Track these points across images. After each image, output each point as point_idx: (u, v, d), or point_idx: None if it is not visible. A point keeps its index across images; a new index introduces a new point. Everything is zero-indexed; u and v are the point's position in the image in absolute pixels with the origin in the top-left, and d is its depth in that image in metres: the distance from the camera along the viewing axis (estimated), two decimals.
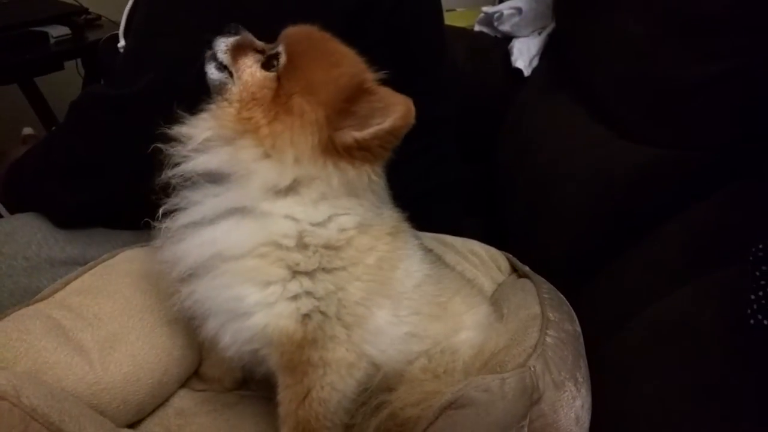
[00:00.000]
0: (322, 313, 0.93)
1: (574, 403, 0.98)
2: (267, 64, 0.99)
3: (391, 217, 1.04)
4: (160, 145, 0.96)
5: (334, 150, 0.92)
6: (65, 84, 2.50)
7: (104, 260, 1.21)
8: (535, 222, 1.59)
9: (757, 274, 0.91)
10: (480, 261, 1.39)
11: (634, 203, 1.36)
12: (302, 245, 0.93)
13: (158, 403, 1.14)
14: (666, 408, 0.96)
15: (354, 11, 1.24)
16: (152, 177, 0.96)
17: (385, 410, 0.97)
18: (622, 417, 1.03)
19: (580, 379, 1.01)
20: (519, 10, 2.01)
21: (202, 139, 0.95)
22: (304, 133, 0.91)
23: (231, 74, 1.00)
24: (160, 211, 0.97)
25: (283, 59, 0.97)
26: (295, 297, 0.92)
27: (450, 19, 1.97)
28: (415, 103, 0.91)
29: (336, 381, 0.95)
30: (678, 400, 0.95)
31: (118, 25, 1.57)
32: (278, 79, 0.96)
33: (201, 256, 0.93)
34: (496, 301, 1.21)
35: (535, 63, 1.92)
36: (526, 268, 1.32)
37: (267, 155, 0.92)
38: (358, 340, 0.96)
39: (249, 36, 1.04)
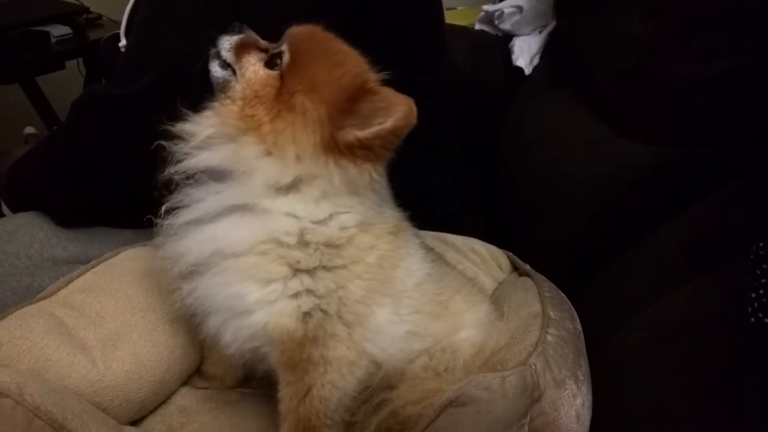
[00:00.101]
0: (323, 311, 0.94)
1: (575, 402, 0.98)
2: (270, 63, 0.99)
3: (392, 215, 1.04)
4: (162, 143, 0.96)
5: (336, 148, 0.92)
6: (66, 83, 2.51)
7: (106, 259, 1.21)
8: (535, 221, 1.59)
9: (758, 272, 0.91)
10: (481, 259, 1.39)
11: (634, 202, 1.36)
12: (303, 243, 0.93)
13: (160, 400, 1.14)
14: (666, 407, 0.96)
15: (354, 11, 1.24)
16: (154, 175, 0.96)
17: (386, 408, 0.97)
18: (623, 416, 1.03)
19: (581, 378, 1.01)
20: (520, 9, 2.01)
21: (204, 137, 0.95)
22: (306, 131, 0.92)
23: (234, 72, 1.00)
24: (163, 208, 0.97)
25: (286, 58, 0.98)
26: (295, 295, 0.92)
27: (450, 18, 1.97)
28: (416, 103, 0.91)
29: (337, 379, 0.96)
30: (678, 399, 0.95)
31: (119, 24, 1.57)
32: (281, 77, 0.96)
33: (202, 253, 0.93)
34: (497, 299, 1.22)
35: (535, 61, 1.92)
36: (527, 267, 1.32)
37: (269, 153, 0.93)
38: (359, 339, 0.96)
39: (253, 35, 1.04)
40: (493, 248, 1.43)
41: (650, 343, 1.07)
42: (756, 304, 0.89)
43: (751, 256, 0.94)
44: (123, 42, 1.51)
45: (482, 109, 1.91)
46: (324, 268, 0.94)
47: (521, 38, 1.99)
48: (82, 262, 1.25)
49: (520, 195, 1.67)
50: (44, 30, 2.32)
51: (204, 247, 0.93)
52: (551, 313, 1.09)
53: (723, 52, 1.24)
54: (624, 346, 1.11)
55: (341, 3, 1.23)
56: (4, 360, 0.97)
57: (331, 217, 0.95)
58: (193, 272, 0.95)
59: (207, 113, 0.99)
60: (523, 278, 1.28)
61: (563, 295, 1.19)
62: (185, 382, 1.20)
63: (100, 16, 2.57)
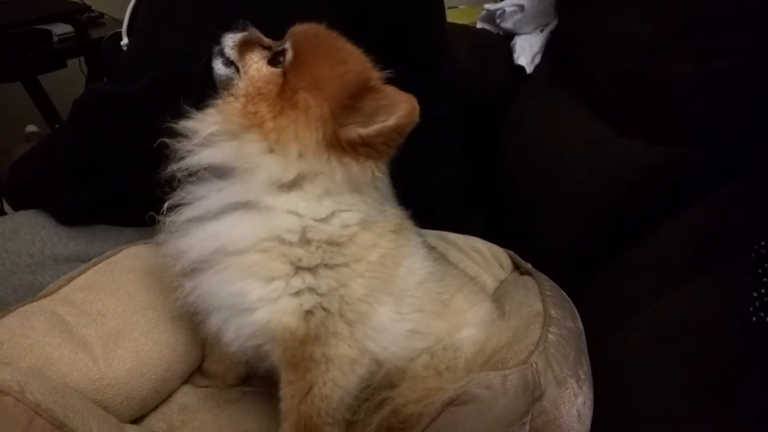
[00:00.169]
0: (325, 309, 0.94)
1: (576, 400, 0.98)
2: (273, 60, 0.99)
3: (394, 214, 1.04)
4: (165, 140, 0.96)
5: (338, 146, 0.92)
6: (68, 82, 2.51)
7: (108, 257, 1.21)
8: (536, 220, 1.59)
9: (760, 271, 0.91)
10: (482, 258, 1.39)
11: (634, 201, 1.36)
12: (305, 241, 0.93)
13: (161, 399, 1.14)
14: (667, 406, 0.96)
15: (355, 11, 1.24)
16: (156, 174, 0.96)
17: (388, 407, 0.97)
18: (624, 415, 1.03)
19: (582, 376, 1.01)
20: (521, 7, 2.01)
21: (207, 134, 0.95)
22: (309, 128, 0.92)
23: (237, 70, 1.01)
24: (165, 205, 0.97)
25: (289, 55, 0.98)
26: (297, 293, 0.93)
27: (452, 17, 1.97)
28: (418, 102, 0.91)
29: (338, 377, 0.96)
30: (679, 398, 0.95)
31: (120, 22, 1.57)
32: (284, 74, 0.96)
33: (204, 250, 0.93)
34: (498, 298, 1.21)
35: (537, 60, 1.92)
36: (529, 266, 1.32)
37: (271, 150, 0.93)
38: (361, 337, 0.96)
39: (256, 32, 1.04)
40: (495, 247, 1.43)
41: (651, 342, 1.07)
42: (757, 303, 0.89)
43: (753, 255, 0.94)
44: (125, 41, 1.51)
45: (483, 108, 1.91)
46: (326, 266, 0.94)
47: (523, 37, 1.99)
48: (84, 260, 1.25)
49: (521, 194, 1.67)
50: (46, 28, 2.32)
51: (206, 245, 0.93)
52: (553, 312, 1.09)
53: (723, 52, 1.24)
54: (625, 346, 1.12)
55: (342, 2, 1.23)
56: (5, 358, 0.97)
57: (333, 214, 0.95)
58: (195, 269, 0.95)
59: (210, 111, 0.99)
60: (525, 277, 1.28)
61: (564, 294, 1.19)
62: (186, 381, 1.20)
63: (101, 15, 2.57)
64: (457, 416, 0.88)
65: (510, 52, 1.97)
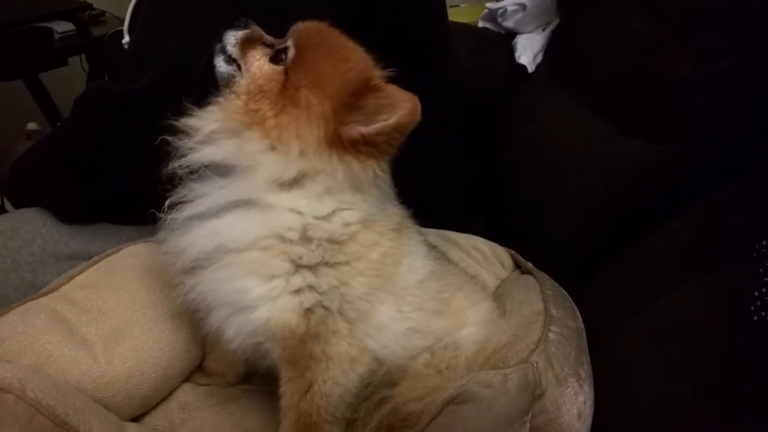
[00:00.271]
0: (325, 307, 0.94)
1: (577, 399, 0.98)
2: (275, 58, 0.99)
3: (395, 213, 1.04)
4: (167, 138, 0.96)
5: (339, 144, 0.92)
6: (69, 80, 2.51)
7: (108, 255, 1.21)
8: (537, 219, 1.59)
9: (761, 270, 0.91)
10: (483, 257, 1.39)
11: (635, 201, 1.36)
12: (306, 239, 0.93)
13: (162, 397, 1.14)
14: (667, 406, 0.96)
15: (356, 10, 1.24)
16: (157, 172, 0.96)
17: (388, 405, 0.97)
18: (624, 414, 1.03)
19: (583, 376, 1.01)
20: (523, 6, 2.01)
21: (208, 131, 0.95)
22: (310, 126, 0.92)
23: (239, 67, 1.00)
24: (167, 203, 0.97)
25: (291, 53, 0.98)
26: (298, 291, 0.93)
27: (454, 16, 1.96)
28: (419, 101, 0.91)
29: (338, 375, 0.96)
30: (679, 398, 0.95)
31: (122, 20, 1.57)
32: (286, 72, 0.96)
33: (205, 247, 0.93)
34: (499, 297, 1.21)
35: (538, 59, 1.92)
36: (529, 265, 1.32)
37: (273, 147, 0.93)
38: (361, 335, 0.96)
39: (258, 30, 1.04)
40: (496, 246, 1.43)
41: (651, 341, 1.07)
42: (758, 303, 0.89)
43: (753, 255, 0.94)
44: (126, 39, 1.51)
45: (484, 107, 1.91)
46: (326, 264, 0.94)
47: (524, 36, 1.99)
48: (85, 258, 1.25)
49: (522, 193, 1.67)
50: (47, 26, 2.32)
51: (207, 242, 0.93)
52: (553, 311, 1.09)
53: (723, 52, 1.24)
54: (625, 345, 1.12)
55: (343, 1, 1.23)
56: (6, 355, 0.97)
57: (333, 213, 0.94)
58: (196, 267, 0.95)
59: (211, 108, 0.99)
60: (526, 276, 1.28)
61: (565, 293, 1.19)
62: (187, 379, 1.20)
63: (103, 13, 2.56)
64: (457, 415, 0.88)
65: (511, 51, 1.97)
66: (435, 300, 1.05)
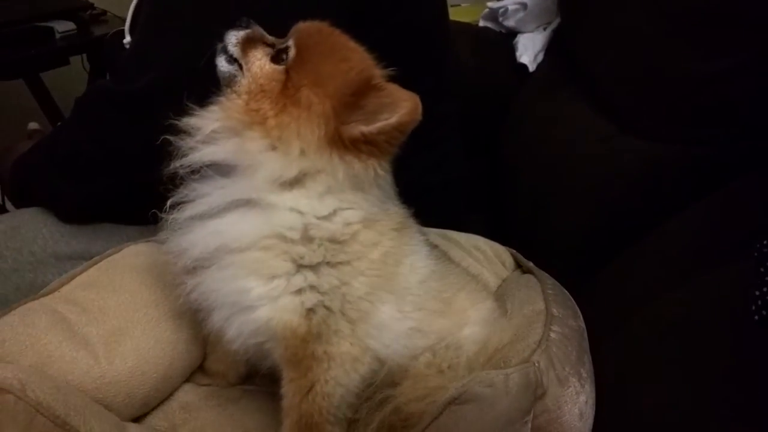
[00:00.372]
0: (327, 307, 0.93)
1: (578, 399, 0.98)
2: (276, 58, 0.99)
3: (396, 212, 1.04)
4: (168, 138, 0.96)
5: (340, 143, 0.92)
6: (70, 79, 2.52)
7: (110, 255, 1.21)
8: (538, 218, 1.59)
9: (762, 270, 0.91)
10: (484, 257, 1.39)
11: (636, 199, 1.36)
12: (307, 238, 0.93)
13: (163, 397, 1.14)
14: (667, 406, 0.96)
15: (358, 9, 1.23)
16: (158, 172, 0.96)
17: (389, 405, 0.97)
18: (626, 414, 1.03)
19: (584, 375, 1.01)
20: (524, 6, 2.01)
21: (209, 131, 0.95)
22: (311, 125, 0.92)
23: (241, 67, 1.00)
24: (168, 203, 0.97)
25: (292, 52, 0.98)
26: (299, 291, 0.92)
27: (455, 15, 1.97)
28: (420, 100, 0.91)
29: (340, 375, 0.95)
30: (681, 397, 0.95)
31: (123, 20, 1.57)
32: (287, 71, 0.96)
33: (207, 247, 0.93)
34: (501, 296, 1.21)
35: (539, 58, 1.92)
36: (531, 264, 1.32)
37: (273, 147, 0.93)
38: (363, 335, 0.96)
39: (260, 30, 1.04)
40: (497, 245, 1.43)
41: (652, 341, 1.07)
42: (760, 302, 0.89)
43: (755, 254, 0.94)
44: (128, 39, 1.51)
45: (485, 106, 1.91)
46: (328, 264, 0.94)
47: (525, 35, 1.99)
48: (86, 258, 1.24)
49: (523, 191, 1.67)
50: (48, 26, 2.32)
51: (208, 242, 0.93)
52: (555, 310, 1.09)
53: (728, 49, 1.24)
54: (626, 344, 1.11)
55: (344, 0, 1.23)
56: (6, 356, 0.97)
57: (335, 212, 0.94)
58: (197, 267, 0.95)
59: (212, 108, 0.99)
60: (527, 275, 1.28)
61: (566, 292, 1.19)
62: (188, 379, 1.20)
63: (104, 12, 2.57)
64: (458, 415, 0.88)
65: (512, 50, 1.97)
66: (436, 300, 1.05)
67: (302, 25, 1.01)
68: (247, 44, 1.02)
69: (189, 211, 0.96)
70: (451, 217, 1.51)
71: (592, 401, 1.01)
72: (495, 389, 0.89)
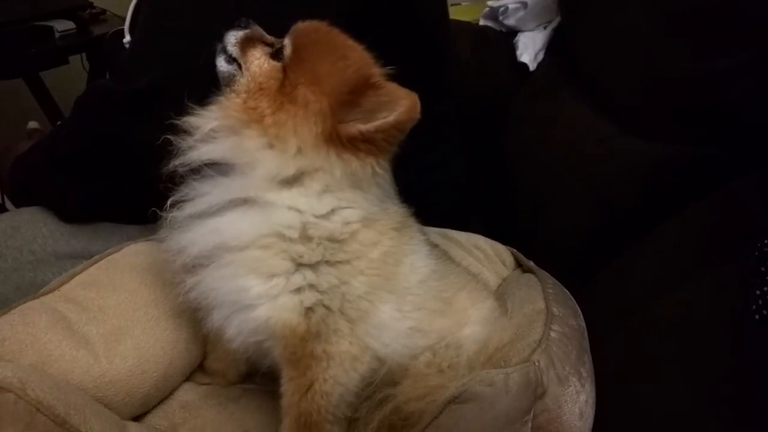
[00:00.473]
0: (326, 306, 0.93)
1: (578, 398, 0.98)
2: (275, 57, 0.99)
3: (396, 212, 1.04)
4: (169, 137, 0.96)
5: (338, 141, 0.92)
6: (70, 78, 2.51)
7: (110, 254, 1.21)
8: (538, 217, 1.59)
9: (763, 269, 0.91)
10: (485, 256, 1.39)
11: (637, 199, 1.36)
12: (306, 237, 0.93)
13: (163, 396, 1.14)
14: (667, 405, 0.96)
15: (355, 10, 1.23)
16: (158, 171, 0.96)
17: (390, 404, 0.97)
18: (625, 413, 1.03)
19: (584, 375, 1.01)
20: (524, 5, 2.01)
21: (208, 129, 0.95)
22: (308, 123, 0.92)
23: (240, 66, 1.01)
24: (169, 201, 0.97)
25: (288, 51, 0.98)
26: (298, 290, 0.92)
27: (455, 14, 1.97)
28: (420, 99, 0.91)
29: (339, 374, 0.95)
30: (681, 396, 0.95)
31: (122, 19, 1.57)
32: (285, 70, 0.97)
33: (206, 245, 0.93)
34: (501, 296, 1.21)
35: (540, 57, 1.92)
36: (531, 263, 1.32)
37: (271, 145, 0.93)
38: (362, 334, 0.96)
39: (259, 30, 1.04)
40: (497, 245, 1.43)
41: (653, 340, 1.07)
42: (760, 302, 0.89)
43: (755, 253, 0.94)
44: (127, 38, 1.51)
45: (486, 106, 1.91)
46: (327, 263, 0.94)
47: (526, 34, 1.99)
48: (85, 257, 1.24)
49: (524, 190, 1.67)
50: (48, 25, 2.32)
51: (207, 240, 0.93)
52: (555, 310, 1.09)
53: (726, 50, 1.24)
54: (626, 344, 1.11)
55: (343, 0, 1.23)
56: (6, 355, 0.97)
57: (333, 211, 0.94)
58: (196, 265, 0.95)
59: (212, 107, 0.99)
60: (527, 275, 1.28)
61: (567, 292, 1.19)
62: (188, 378, 1.20)
63: (103, 11, 2.57)
64: (458, 414, 0.88)
65: (513, 49, 1.97)
66: (436, 299, 1.05)
67: (301, 25, 1.01)
68: (246, 44, 1.02)
69: (188, 209, 0.96)
70: (452, 217, 1.51)
71: (592, 400, 1.01)
72: (495, 388, 0.89)
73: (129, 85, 1.19)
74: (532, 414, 0.93)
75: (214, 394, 1.17)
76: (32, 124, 1.79)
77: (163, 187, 0.97)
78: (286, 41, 0.99)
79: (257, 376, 1.17)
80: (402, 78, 0.96)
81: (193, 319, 1.08)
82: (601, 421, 1.02)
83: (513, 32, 2.04)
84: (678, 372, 0.98)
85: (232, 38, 1.03)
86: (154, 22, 1.25)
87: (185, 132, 0.96)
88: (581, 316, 1.13)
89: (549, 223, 1.55)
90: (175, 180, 0.97)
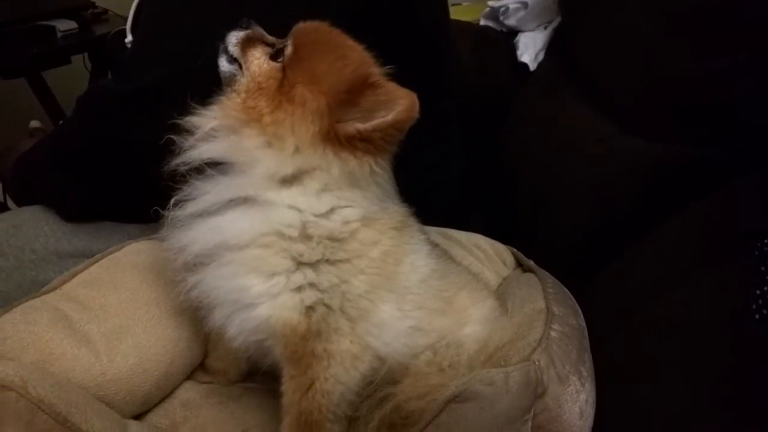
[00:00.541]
0: (326, 305, 0.94)
1: (578, 398, 0.98)
2: (275, 57, 1.00)
3: (397, 211, 1.04)
4: (171, 137, 0.96)
5: (335, 140, 0.92)
6: (72, 78, 2.51)
7: (111, 253, 1.21)
8: (538, 217, 1.59)
9: (763, 269, 0.91)
10: (485, 255, 1.39)
11: (637, 198, 1.36)
12: (306, 236, 0.93)
13: (164, 394, 1.14)
14: (667, 404, 0.96)
15: (356, 10, 1.24)
16: (159, 170, 0.96)
17: (390, 403, 0.97)
18: (626, 412, 1.03)
19: (585, 374, 1.01)
20: (525, 5, 2.01)
21: (208, 129, 0.96)
22: (305, 121, 0.92)
23: (240, 66, 1.01)
24: (172, 201, 0.98)
25: (289, 50, 0.98)
26: (299, 288, 0.93)
27: (455, 14, 1.97)
28: (420, 99, 0.91)
29: (340, 373, 0.96)
30: (682, 396, 0.95)
31: (124, 19, 1.57)
32: (284, 69, 0.97)
33: (206, 244, 0.94)
34: (501, 295, 1.21)
35: (540, 57, 1.92)
36: (531, 263, 1.32)
37: (269, 144, 0.93)
38: (363, 333, 0.96)
39: (260, 30, 1.05)
40: (498, 244, 1.44)
41: (653, 339, 1.07)
42: (760, 301, 0.89)
43: (756, 253, 0.94)
44: (129, 38, 1.51)
45: (486, 105, 1.91)
46: (327, 261, 0.94)
47: (526, 34, 1.99)
48: (87, 256, 1.25)
49: (524, 190, 1.67)
50: (50, 25, 2.32)
51: (208, 238, 0.94)
52: (555, 309, 1.09)
53: (726, 50, 1.24)
54: (626, 343, 1.11)
55: (337, 1, 1.23)
56: (8, 353, 0.97)
57: (332, 210, 0.95)
58: (197, 264, 0.96)
59: (213, 107, 0.99)
60: (527, 274, 1.28)
61: (567, 291, 1.19)
62: (189, 377, 1.20)
63: (105, 11, 2.57)
64: (459, 413, 0.88)
65: (513, 49, 1.97)
66: (437, 298, 1.05)
67: (301, 25, 1.02)
68: (246, 44, 1.03)
69: (190, 208, 0.96)
70: (452, 216, 1.51)
71: (592, 400, 1.01)
72: (495, 387, 0.89)
73: (130, 85, 1.20)
74: (532, 413, 0.93)
75: (215, 392, 1.18)
76: (34, 124, 1.79)
77: (165, 186, 0.97)
78: (288, 42, 1.00)
79: (258, 375, 1.17)
80: (402, 78, 0.96)
81: (195, 317, 1.08)
82: (601, 420, 1.02)
83: (513, 32, 2.04)
84: (678, 372, 0.98)
85: (233, 39, 1.03)
86: (156, 22, 1.25)
87: (186, 131, 0.96)
88: (581, 316, 1.13)
89: (549, 222, 1.55)
90: (177, 179, 0.97)
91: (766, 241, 0.93)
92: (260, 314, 0.93)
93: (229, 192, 0.95)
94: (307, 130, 0.92)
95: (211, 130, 0.96)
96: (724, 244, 1.10)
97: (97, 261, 1.19)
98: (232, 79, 1.01)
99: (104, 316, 1.08)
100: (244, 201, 0.94)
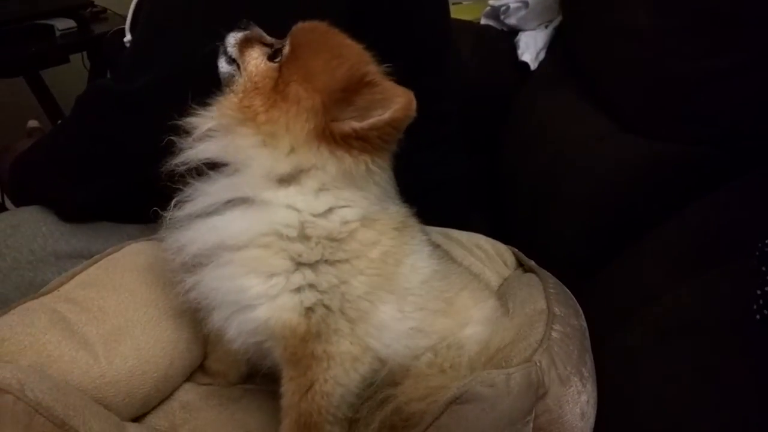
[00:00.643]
0: (326, 306, 0.93)
1: (580, 399, 0.97)
2: (273, 57, 1.00)
3: (397, 211, 1.03)
4: (172, 137, 0.96)
5: (331, 138, 0.92)
6: (70, 77, 2.51)
7: (109, 254, 1.21)
8: (539, 216, 1.59)
9: (764, 269, 0.91)
10: (486, 255, 1.39)
11: (636, 198, 1.36)
12: (304, 236, 0.93)
13: (163, 396, 1.14)
14: (669, 405, 0.96)
15: (354, 10, 1.23)
16: (158, 170, 0.96)
17: (390, 405, 0.97)
18: (627, 413, 1.03)
19: (586, 375, 1.01)
20: (525, 4, 2.01)
21: (205, 128, 0.96)
22: (300, 119, 0.92)
23: (239, 67, 1.01)
24: (172, 202, 0.97)
25: (286, 50, 0.98)
26: (298, 289, 0.92)
27: (456, 13, 1.97)
28: (421, 98, 0.91)
29: (340, 375, 0.95)
30: (682, 396, 0.95)
31: (123, 18, 1.57)
32: (280, 69, 0.97)
33: (204, 244, 0.94)
34: (502, 295, 1.21)
35: (541, 56, 1.92)
36: (532, 263, 1.32)
37: (264, 143, 0.93)
38: (362, 334, 0.96)
39: (258, 31, 1.05)
40: (498, 244, 1.43)
41: (654, 340, 1.07)
42: (761, 302, 0.89)
43: (757, 253, 0.94)
44: (128, 37, 1.51)
45: (487, 104, 1.91)
46: (326, 262, 0.94)
47: (527, 33, 1.99)
48: (85, 256, 1.24)
49: (524, 189, 1.67)
50: (48, 23, 2.32)
51: (207, 238, 0.94)
52: (556, 309, 1.08)
53: (727, 49, 1.24)
54: (628, 342, 1.11)
55: (337, 1, 1.22)
56: (5, 355, 0.96)
57: (331, 210, 0.94)
58: (196, 264, 0.95)
59: (210, 107, 0.99)
60: (528, 274, 1.28)
61: (568, 291, 1.19)
62: (188, 378, 1.20)
63: (104, 10, 2.57)
64: (460, 414, 0.88)
65: (514, 48, 1.97)
66: (438, 299, 1.05)
67: (300, 25, 1.02)
68: (244, 45, 1.03)
69: (188, 208, 0.96)
70: (453, 216, 1.51)
71: (593, 401, 1.01)
72: (496, 389, 0.89)
73: (129, 85, 1.19)
74: (533, 414, 0.93)
75: (215, 394, 1.17)
76: (32, 123, 1.79)
77: (163, 186, 0.97)
78: (286, 42, 0.99)
79: (258, 377, 1.16)
80: (403, 78, 0.96)
81: (194, 319, 1.07)
82: (602, 421, 1.02)
83: (514, 31, 2.04)
84: (679, 372, 0.98)
85: (232, 39, 1.04)
86: (155, 21, 1.25)
87: (185, 131, 0.96)
88: (582, 316, 1.13)
89: (549, 222, 1.55)
90: (175, 179, 0.97)
91: (766, 241, 0.93)
92: (259, 316, 0.92)
93: (227, 192, 0.94)
94: (302, 128, 0.92)
95: (209, 131, 0.96)
96: (725, 244, 1.10)
97: (95, 262, 1.18)
98: (230, 79, 1.02)
99: (103, 317, 1.08)
100: (243, 201, 0.94)
